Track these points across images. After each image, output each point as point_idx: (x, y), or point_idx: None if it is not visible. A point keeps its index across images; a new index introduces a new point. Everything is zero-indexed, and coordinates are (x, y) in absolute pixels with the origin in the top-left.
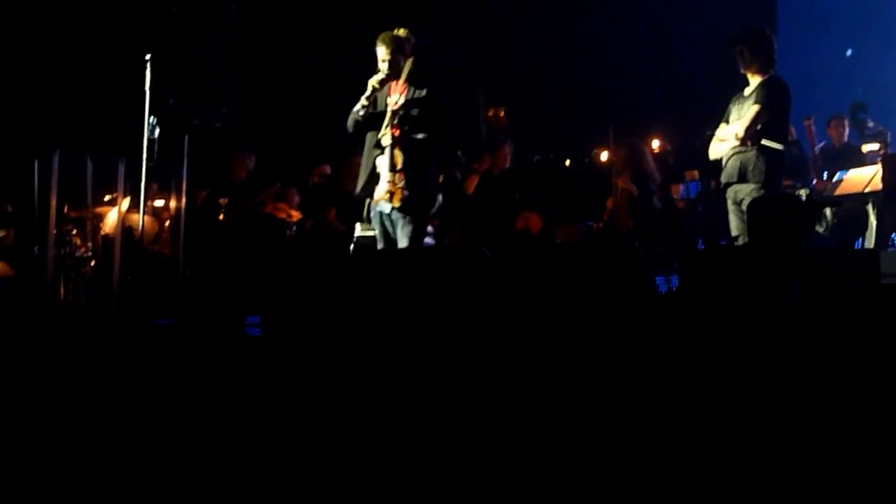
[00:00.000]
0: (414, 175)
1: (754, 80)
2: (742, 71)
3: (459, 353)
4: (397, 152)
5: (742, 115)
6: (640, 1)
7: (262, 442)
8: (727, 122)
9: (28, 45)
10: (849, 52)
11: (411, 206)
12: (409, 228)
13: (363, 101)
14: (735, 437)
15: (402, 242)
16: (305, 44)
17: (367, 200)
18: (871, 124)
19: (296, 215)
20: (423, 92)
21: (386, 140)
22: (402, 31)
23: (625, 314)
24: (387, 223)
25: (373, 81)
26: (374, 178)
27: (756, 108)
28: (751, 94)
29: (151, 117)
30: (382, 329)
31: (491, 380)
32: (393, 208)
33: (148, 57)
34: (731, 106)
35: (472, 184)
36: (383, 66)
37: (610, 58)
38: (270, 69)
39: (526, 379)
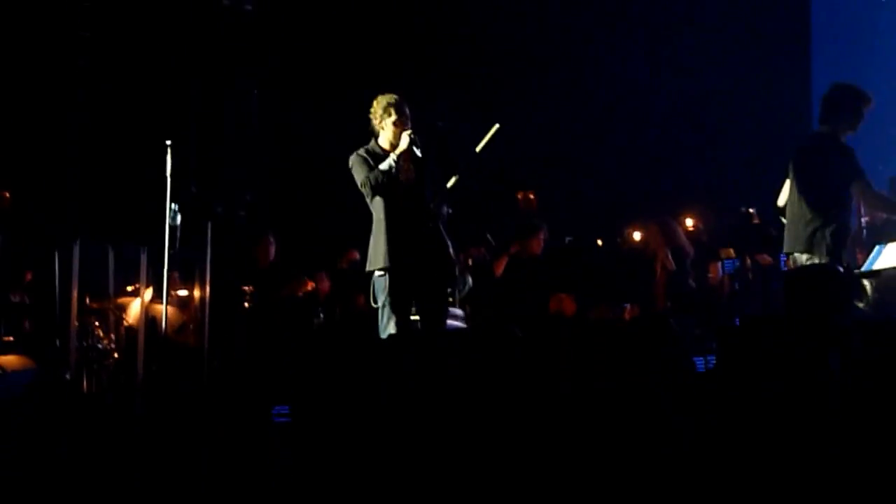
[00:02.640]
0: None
1: None
2: None
3: (494, 438)
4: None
5: None
6: (670, 75)
7: None
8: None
9: (45, 136)
10: None
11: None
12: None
13: (394, 158)
14: None
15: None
16: (329, 125)
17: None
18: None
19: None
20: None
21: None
22: None
23: (663, 393)
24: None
25: (411, 139)
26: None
27: None
28: None
29: (173, 204)
30: (414, 414)
31: (525, 462)
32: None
33: (168, 143)
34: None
35: (501, 266)
36: (407, 125)
37: (639, 136)
38: (293, 153)
39: (562, 461)
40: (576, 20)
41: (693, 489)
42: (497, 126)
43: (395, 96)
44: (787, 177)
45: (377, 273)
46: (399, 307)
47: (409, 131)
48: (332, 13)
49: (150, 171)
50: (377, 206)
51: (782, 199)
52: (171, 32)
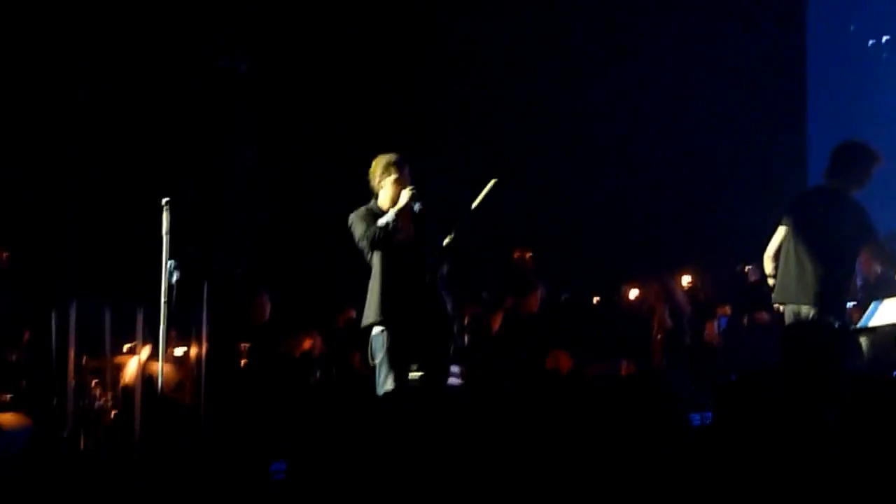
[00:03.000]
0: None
1: None
2: None
3: (491, 493)
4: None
5: None
6: (666, 131)
7: None
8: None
9: (42, 195)
10: None
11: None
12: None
13: (394, 214)
14: None
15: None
16: (325, 183)
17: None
18: None
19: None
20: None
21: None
22: None
23: (659, 450)
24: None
25: (412, 195)
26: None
27: None
28: None
29: (170, 262)
30: (410, 470)
31: None
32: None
33: (165, 201)
34: None
35: (497, 322)
36: (408, 182)
37: (635, 193)
38: (290, 211)
39: None
40: (570, 80)
41: None
42: (494, 181)
43: (395, 155)
44: (779, 226)
45: (375, 330)
46: (396, 364)
47: (409, 188)
48: (328, 73)
49: (148, 229)
50: (375, 263)
51: (772, 249)
52: (167, 92)
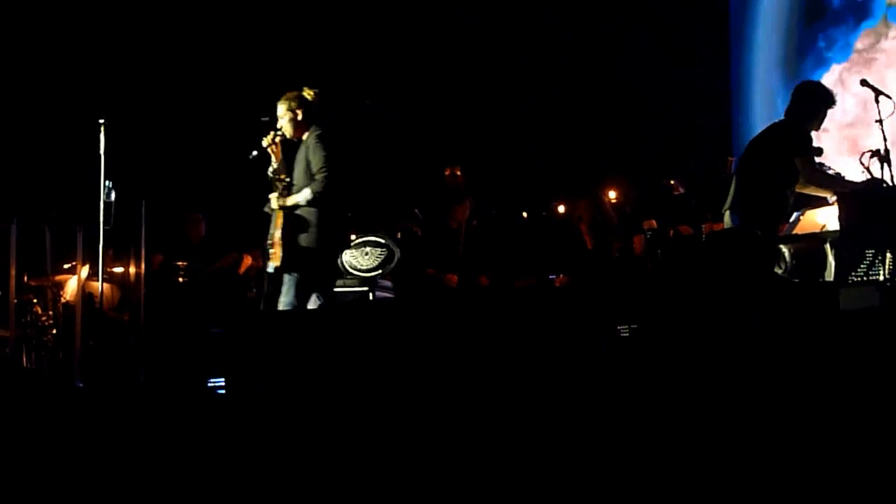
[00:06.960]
0: (288, 236)
1: None
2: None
3: (426, 406)
4: (278, 215)
5: None
6: (594, 51)
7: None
8: None
9: None
10: None
11: (286, 267)
12: (290, 289)
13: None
14: (694, 468)
15: (283, 302)
16: (266, 101)
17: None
18: (827, 168)
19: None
20: (305, 149)
21: (272, 204)
22: (308, 92)
23: (588, 354)
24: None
25: (264, 143)
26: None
27: None
28: None
29: (107, 181)
30: (344, 380)
31: (448, 431)
32: (276, 269)
33: (101, 121)
34: None
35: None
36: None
37: (563, 110)
38: (228, 129)
39: (485, 429)
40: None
41: (616, 449)
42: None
43: (287, 94)
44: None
45: None
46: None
47: (267, 136)
48: None
49: (85, 149)
50: None
51: None
52: (106, 13)
